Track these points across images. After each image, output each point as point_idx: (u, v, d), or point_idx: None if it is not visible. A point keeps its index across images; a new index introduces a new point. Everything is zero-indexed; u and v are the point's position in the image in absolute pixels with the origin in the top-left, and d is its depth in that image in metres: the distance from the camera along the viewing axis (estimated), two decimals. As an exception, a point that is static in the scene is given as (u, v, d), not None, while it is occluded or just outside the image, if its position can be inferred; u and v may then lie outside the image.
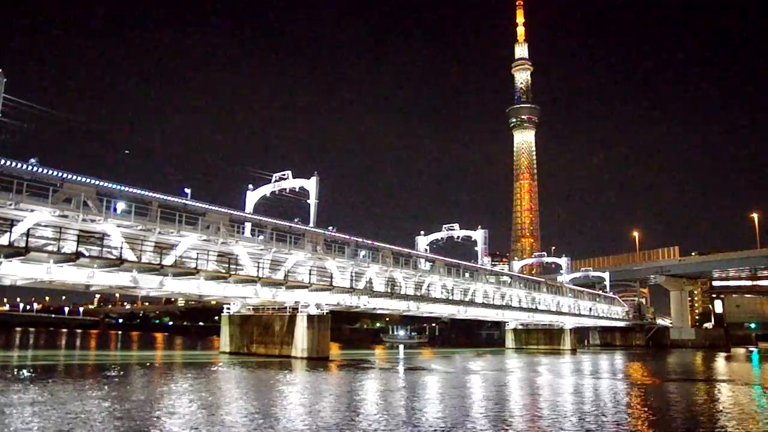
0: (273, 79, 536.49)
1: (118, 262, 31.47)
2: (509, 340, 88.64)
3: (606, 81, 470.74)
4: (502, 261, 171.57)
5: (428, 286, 56.90)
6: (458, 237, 71.21)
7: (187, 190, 37.23)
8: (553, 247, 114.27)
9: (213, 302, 58.35)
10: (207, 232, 36.75)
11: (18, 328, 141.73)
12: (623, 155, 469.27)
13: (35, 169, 29.18)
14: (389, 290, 51.40)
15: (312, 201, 46.03)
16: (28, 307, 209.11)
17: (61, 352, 55.44)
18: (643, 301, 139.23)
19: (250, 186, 49.59)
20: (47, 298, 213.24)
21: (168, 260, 34.51)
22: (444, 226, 71.34)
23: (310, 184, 46.53)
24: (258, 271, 39.65)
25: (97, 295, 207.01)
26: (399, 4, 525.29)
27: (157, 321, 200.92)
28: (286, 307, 46.27)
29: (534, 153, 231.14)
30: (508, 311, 71.65)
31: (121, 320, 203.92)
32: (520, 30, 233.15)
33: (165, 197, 35.03)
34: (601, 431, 16.51)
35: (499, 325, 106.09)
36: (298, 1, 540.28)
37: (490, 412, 19.91)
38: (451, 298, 59.85)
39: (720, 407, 23.10)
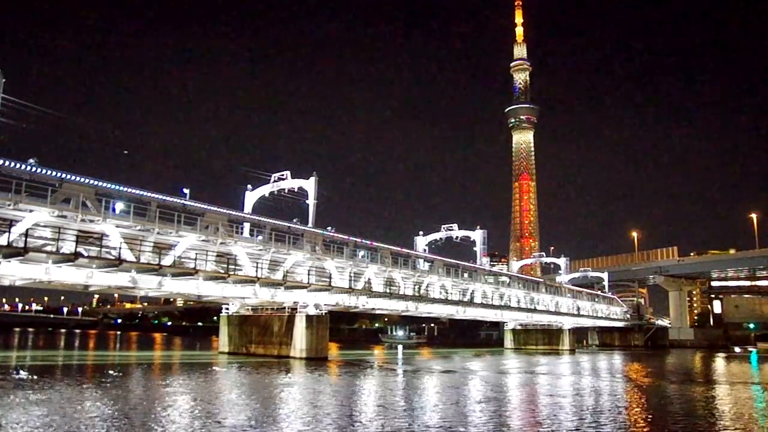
0: (272, 79, 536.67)
1: (117, 263, 31.46)
2: (508, 341, 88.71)
3: (605, 81, 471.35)
4: (501, 261, 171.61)
5: (427, 287, 56.92)
6: (457, 237, 71.27)
7: (186, 191, 37.22)
8: (552, 248, 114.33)
9: (212, 303, 58.27)
10: (206, 233, 36.76)
11: (17, 329, 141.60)
12: (622, 155, 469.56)
13: (34, 169, 29.16)
14: (388, 290, 51.42)
15: (311, 201, 46.03)
16: (26, 307, 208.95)
17: (59, 353, 55.41)
18: (642, 301, 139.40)
19: (249, 186, 49.57)
20: (46, 299, 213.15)
21: (167, 260, 34.51)
22: (443, 226, 71.38)
23: (309, 185, 46.52)
24: (257, 271, 39.67)
25: (96, 296, 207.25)
26: (398, 4, 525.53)
27: (156, 321, 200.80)
28: (284, 308, 46.31)
29: (533, 153, 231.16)
30: (506, 311, 71.71)
31: (119, 320, 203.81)
32: (519, 30, 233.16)
33: (164, 197, 35.01)
34: None
35: (497, 326, 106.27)
36: (298, 1, 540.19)
37: (490, 413, 19.93)
38: (449, 298, 59.89)
39: (719, 407, 23.15)
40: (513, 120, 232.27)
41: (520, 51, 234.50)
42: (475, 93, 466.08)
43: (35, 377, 27.54)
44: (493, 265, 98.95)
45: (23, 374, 28.72)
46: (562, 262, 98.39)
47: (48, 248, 30.18)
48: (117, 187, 32.60)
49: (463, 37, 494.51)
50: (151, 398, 21.57)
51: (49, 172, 29.67)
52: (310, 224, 45.14)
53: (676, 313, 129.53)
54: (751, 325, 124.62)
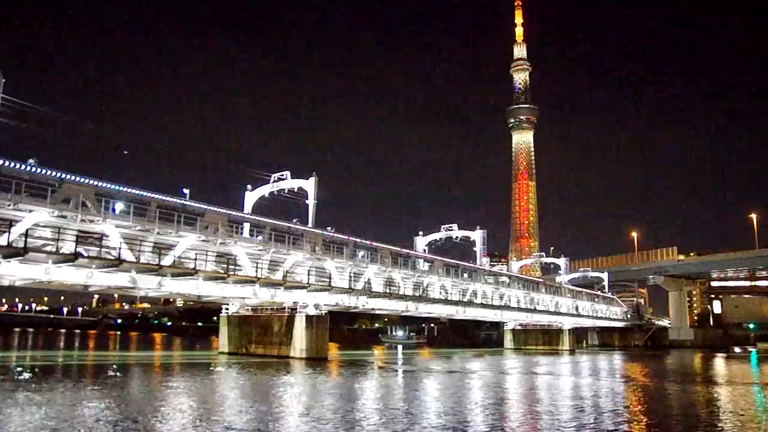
0: (272, 79, 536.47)
1: (117, 263, 31.46)
2: (508, 341, 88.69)
3: (605, 81, 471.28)
4: (501, 261, 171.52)
5: (427, 287, 56.91)
6: (457, 237, 71.26)
7: (186, 191, 37.24)
8: (552, 248, 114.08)
9: (212, 303, 58.25)
10: (205, 233, 36.74)
11: (16, 329, 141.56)
12: (622, 155, 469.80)
13: (34, 169, 29.17)
14: (388, 290, 51.40)
15: (310, 201, 46.04)
16: (26, 307, 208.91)
17: (59, 353, 55.38)
18: (642, 301, 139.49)
19: (249, 186, 49.58)
20: (46, 299, 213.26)
21: (167, 261, 34.49)
22: (443, 226, 71.37)
23: (309, 185, 46.54)
24: (257, 271, 39.65)
25: (96, 296, 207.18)
26: (398, 4, 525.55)
27: (156, 321, 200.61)
28: (284, 308, 46.31)
29: (533, 153, 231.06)
30: (506, 311, 71.69)
31: (119, 321, 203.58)
32: (519, 30, 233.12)
33: (163, 197, 35.02)
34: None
35: (497, 326, 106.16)
36: (298, 1, 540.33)
37: (489, 414, 19.94)
38: (449, 298, 59.88)
39: (718, 408, 23.15)
40: (513, 120, 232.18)
41: (520, 51, 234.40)
42: (475, 93, 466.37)
43: (35, 378, 27.53)
44: (493, 265, 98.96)
45: (23, 375, 28.71)
46: (561, 262, 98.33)
47: (48, 248, 30.17)
48: (117, 187, 32.61)
49: (463, 38, 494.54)
50: (150, 399, 21.57)
51: (49, 172, 29.67)
52: (310, 224, 45.14)
53: (676, 313, 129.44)
54: (751, 325, 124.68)
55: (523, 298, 74.97)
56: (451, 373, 39.20)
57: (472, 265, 66.96)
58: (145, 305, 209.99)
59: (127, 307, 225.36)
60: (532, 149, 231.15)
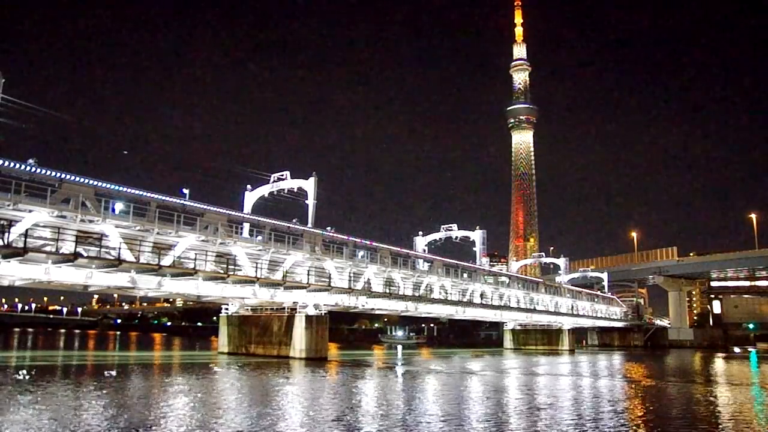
0: (272, 79, 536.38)
1: (117, 263, 31.47)
2: (507, 341, 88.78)
3: (605, 81, 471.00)
4: (501, 261, 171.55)
5: (426, 287, 56.93)
6: (456, 237, 71.37)
7: (186, 191, 37.30)
8: (552, 248, 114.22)
9: (211, 303, 58.27)
10: (205, 233, 36.77)
11: (16, 329, 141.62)
12: (622, 155, 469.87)
13: (33, 169, 29.19)
14: (387, 291, 51.43)
15: (310, 201, 46.08)
16: (26, 307, 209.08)
17: (59, 353, 55.39)
18: (642, 301, 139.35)
19: (249, 186, 49.65)
20: (45, 299, 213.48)
21: (166, 261, 34.51)
22: (442, 226, 71.49)
23: (309, 185, 46.57)
24: (256, 271, 39.68)
25: (96, 296, 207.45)
26: (398, 4, 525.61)
27: (156, 321, 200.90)
28: (284, 308, 46.35)
29: (532, 153, 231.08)
30: (506, 312, 71.73)
31: (119, 321, 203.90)
32: (519, 30, 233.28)
33: (163, 198, 35.04)
34: None
35: (497, 326, 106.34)
36: (298, 1, 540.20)
37: (489, 414, 19.95)
38: (449, 298, 59.89)
39: (718, 408, 23.16)
40: (512, 120, 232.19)
41: (519, 51, 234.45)
42: (475, 93, 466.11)
43: (35, 378, 27.52)
44: (493, 266, 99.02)
45: (23, 375, 28.70)
46: (561, 262, 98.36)
47: (47, 248, 30.18)
48: (116, 187, 32.62)
49: (463, 37, 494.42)
50: (150, 399, 21.57)
51: (48, 172, 29.69)
52: (309, 224, 45.15)
53: (676, 313, 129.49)
54: (751, 326, 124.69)
55: (522, 298, 75.00)
56: (451, 373, 39.18)
57: (472, 265, 66.99)
58: (145, 305, 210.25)
59: (126, 307, 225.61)
60: (532, 149, 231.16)
